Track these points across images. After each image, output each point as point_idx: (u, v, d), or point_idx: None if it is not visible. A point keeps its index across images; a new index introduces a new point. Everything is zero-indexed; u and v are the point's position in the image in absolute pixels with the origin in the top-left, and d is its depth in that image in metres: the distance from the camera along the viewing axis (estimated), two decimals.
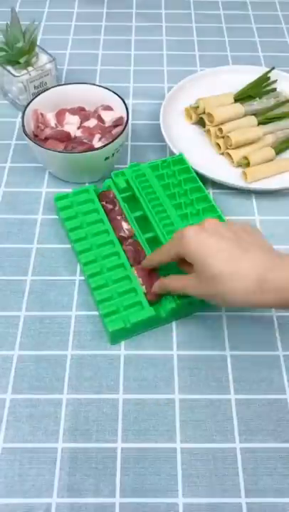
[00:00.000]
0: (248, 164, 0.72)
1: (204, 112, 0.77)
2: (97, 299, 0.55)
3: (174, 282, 0.52)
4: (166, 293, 0.55)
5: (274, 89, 0.82)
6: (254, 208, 0.69)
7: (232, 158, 0.73)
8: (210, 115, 0.76)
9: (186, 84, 0.82)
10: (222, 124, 0.75)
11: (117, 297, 0.56)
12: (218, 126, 0.75)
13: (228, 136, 0.73)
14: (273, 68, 0.83)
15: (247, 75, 0.82)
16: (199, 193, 0.65)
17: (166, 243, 0.54)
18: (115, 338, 0.55)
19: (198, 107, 0.77)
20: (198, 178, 0.66)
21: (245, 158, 0.72)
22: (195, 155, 0.72)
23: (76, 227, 0.62)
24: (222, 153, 0.75)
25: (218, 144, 0.75)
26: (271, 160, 0.73)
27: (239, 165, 0.73)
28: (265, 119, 0.76)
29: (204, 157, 0.74)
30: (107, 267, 0.58)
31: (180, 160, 0.68)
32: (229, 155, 0.73)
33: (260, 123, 0.76)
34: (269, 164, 0.72)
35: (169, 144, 0.73)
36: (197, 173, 0.68)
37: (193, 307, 0.57)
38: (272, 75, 0.83)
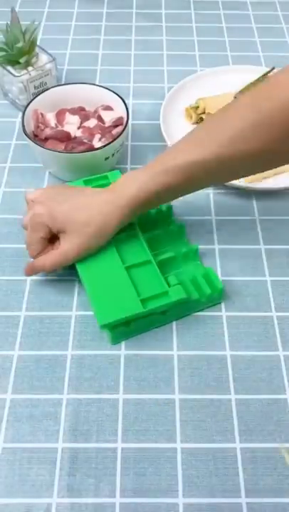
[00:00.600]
0: None
1: (204, 112, 0.77)
2: (94, 298, 0.55)
3: (50, 259, 0.57)
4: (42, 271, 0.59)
5: None
6: (254, 207, 0.69)
7: None
8: (210, 115, 0.76)
9: (186, 84, 0.82)
10: None
11: (115, 297, 0.55)
12: None
13: None
14: (273, 68, 0.83)
15: (247, 75, 0.82)
16: None
17: (27, 236, 0.59)
18: (115, 338, 0.55)
19: (198, 107, 0.77)
20: None
21: None
22: None
23: None
24: None
25: None
26: None
27: None
28: None
29: None
30: (102, 264, 0.57)
31: None
32: None
33: None
34: None
35: (170, 144, 0.73)
36: None
37: (193, 307, 0.57)
38: None
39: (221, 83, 0.82)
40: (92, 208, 0.55)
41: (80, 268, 0.57)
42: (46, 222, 0.56)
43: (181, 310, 0.57)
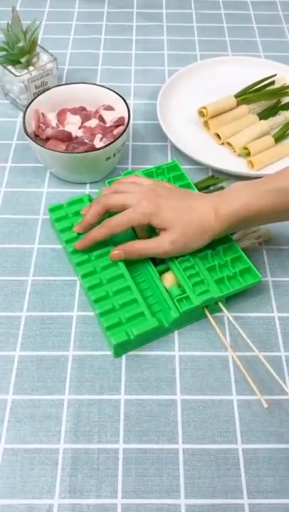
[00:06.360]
0: (248, 154, 0.73)
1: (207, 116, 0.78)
2: (98, 311, 0.54)
3: (147, 245, 0.56)
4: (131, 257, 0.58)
5: (273, 82, 0.82)
6: None
7: (233, 148, 0.74)
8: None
9: (179, 79, 0.83)
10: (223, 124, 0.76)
11: (119, 309, 0.54)
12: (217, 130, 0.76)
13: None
14: (275, 75, 0.82)
15: (247, 69, 0.85)
16: None
17: (118, 218, 0.56)
18: (119, 350, 0.55)
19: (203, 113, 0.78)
20: (192, 184, 0.65)
21: (246, 148, 0.73)
22: (198, 148, 0.73)
23: (72, 238, 0.59)
24: (222, 144, 0.76)
25: (217, 135, 0.76)
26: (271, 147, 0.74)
27: (240, 154, 0.74)
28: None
29: (207, 150, 0.75)
30: (106, 278, 0.56)
31: (174, 166, 0.67)
32: (230, 144, 0.75)
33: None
34: (272, 149, 0.74)
35: (170, 137, 0.73)
36: (203, 165, 0.69)
37: (195, 315, 0.57)
38: (273, 70, 0.83)
39: (221, 75, 0.84)
40: (194, 210, 0.55)
41: (85, 283, 0.56)
42: (149, 212, 0.55)
43: (185, 319, 0.57)
